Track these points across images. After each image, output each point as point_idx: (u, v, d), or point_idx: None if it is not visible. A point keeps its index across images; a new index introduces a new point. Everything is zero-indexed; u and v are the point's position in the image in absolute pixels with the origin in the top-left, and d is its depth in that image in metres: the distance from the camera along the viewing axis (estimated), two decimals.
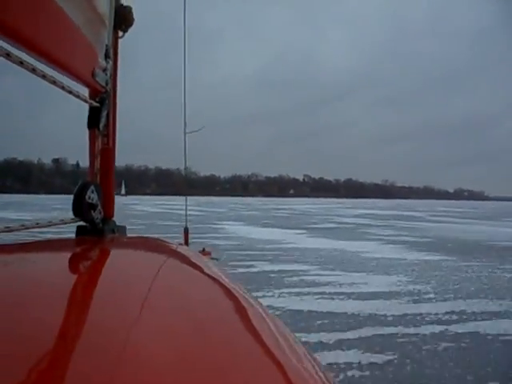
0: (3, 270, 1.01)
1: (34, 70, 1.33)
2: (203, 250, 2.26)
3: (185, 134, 3.10)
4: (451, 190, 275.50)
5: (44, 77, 1.40)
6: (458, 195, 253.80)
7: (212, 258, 1.78)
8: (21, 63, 1.27)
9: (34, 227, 1.54)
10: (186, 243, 3.02)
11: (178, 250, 1.63)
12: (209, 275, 1.23)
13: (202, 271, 1.27)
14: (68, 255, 1.41)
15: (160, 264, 1.28)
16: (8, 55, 1.20)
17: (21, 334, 0.61)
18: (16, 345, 0.58)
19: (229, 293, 1.04)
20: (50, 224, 1.64)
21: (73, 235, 1.74)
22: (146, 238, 1.86)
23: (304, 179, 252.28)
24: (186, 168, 3.49)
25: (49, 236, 1.57)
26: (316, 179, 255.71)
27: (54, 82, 1.46)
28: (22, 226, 1.47)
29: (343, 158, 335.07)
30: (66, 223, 1.68)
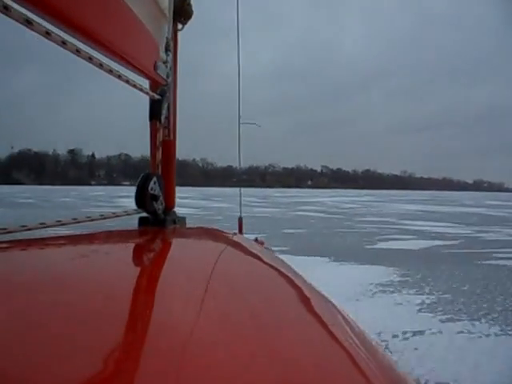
0: (75, 259, 1.07)
1: (101, 66, 1.38)
2: (256, 239, 2.16)
3: (239, 124, 3.05)
4: (470, 181, 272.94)
5: (110, 71, 1.44)
6: (478, 186, 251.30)
7: (266, 248, 1.77)
8: (90, 59, 1.31)
9: (99, 219, 1.57)
10: (241, 232, 3.01)
11: (237, 239, 1.67)
12: (270, 264, 1.25)
13: (262, 260, 1.31)
14: (133, 245, 1.46)
15: (222, 253, 1.34)
16: (78, 51, 1.25)
17: (93, 320, 0.63)
18: (89, 330, 0.60)
19: (290, 280, 1.07)
20: (114, 215, 1.67)
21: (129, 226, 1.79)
22: (205, 228, 1.91)
23: (322, 170, 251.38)
24: (239, 161, 3.44)
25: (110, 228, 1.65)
26: (334, 170, 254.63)
27: (119, 77, 1.50)
28: (89, 217, 1.52)
29: (361, 149, 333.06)
30: (129, 214, 1.71)
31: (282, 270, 1.14)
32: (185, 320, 0.66)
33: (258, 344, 0.63)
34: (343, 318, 0.86)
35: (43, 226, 1.32)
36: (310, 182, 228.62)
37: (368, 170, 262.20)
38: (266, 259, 1.29)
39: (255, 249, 1.44)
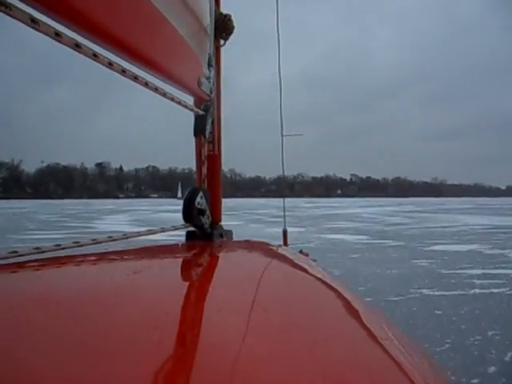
0: (126, 274, 1.10)
1: (146, 85, 1.42)
2: (301, 251, 2.03)
3: (282, 136, 3.01)
4: (503, 187, 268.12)
5: (156, 90, 1.48)
6: (511, 192, 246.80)
7: (311, 260, 1.64)
8: (135, 78, 1.36)
9: (148, 234, 1.62)
10: (285, 244, 2.97)
11: (284, 252, 1.70)
12: (318, 277, 1.27)
13: (310, 273, 1.33)
14: (182, 260, 1.49)
15: (271, 267, 1.38)
16: (123, 71, 1.29)
17: (143, 333, 0.65)
18: (139, 345, 0.61)
19: (339, 293, 1.08)
20: (162, 230, 1.72)
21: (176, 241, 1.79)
22: (252, 241, 1.93)
23: (351, 179, 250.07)
24: (283, 172, 3.40)
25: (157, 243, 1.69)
26: (363, 178, 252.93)
27: (164, 94, 1.53)
28: (137, 233, 1.57)
29: (391, 156, 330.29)
30: (177, 229, 1.76)
31: (330, 283, 1.17)
32: (235, 335, 0.67)
33: (308, 358, 0.64)
34: (392, 330, 0.88)
35: (95, 242, 1.38)
36: (339, 191, 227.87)
37: (398, 178, 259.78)
38: (313, 272, 1.32)
39: (302, 262, 1.48)
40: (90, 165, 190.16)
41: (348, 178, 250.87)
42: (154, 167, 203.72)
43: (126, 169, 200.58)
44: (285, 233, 3.23)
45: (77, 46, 1.08)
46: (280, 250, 1.72)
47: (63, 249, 1.21)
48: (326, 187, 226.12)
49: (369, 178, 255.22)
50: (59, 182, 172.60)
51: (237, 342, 0.64)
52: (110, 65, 1.21)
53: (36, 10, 0.96)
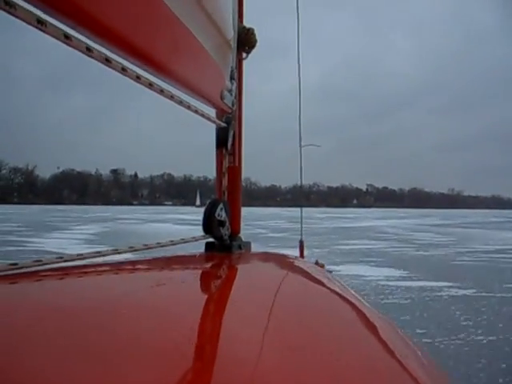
0: (145, 283, 1.14)
1: (172, 98, 1.46)
2: (316, 262, 2.07)
3: (300, 147, 3.00)
4: None
5: (181, 103, 1.52)
6: None
7: (327, 271, 1.69)
8: (161, 91, 1.39)
9: (168, 245, 1.65)
10: (302, 256, 2.98)
11: (301, 264, 1.73)
12: (333, 289, 1.30)
13: (328, 286, 1.36)
14: (202, 271, 1.53)
15: (289, 279, 1.42)
16: (151, 85, 1.33)
17: (162, 344, 0.67)
18: (158, 353, 0.62)
19: (353, 304, 1.13)
20: (183, 241, 1.73)
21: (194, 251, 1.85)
22: (270, 253, 1.98)
23: (367, 189, 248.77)
24: (301, 181, 3.48)
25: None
26: (379, 189, 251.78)
27: (188, 107, 1.57)
28: (158, 243, 1.60)
29: (408, 167, 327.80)
30: (197, 240, 1.78)
31: (346, 295, 1.22)
32: (255, 347, 0.69)
33: (326, 370, 0.66)
34: (407, 343, 0.92)
35: (115, 251, 1.40)
36: (355, 201, 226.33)
37: (415, 189, 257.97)
38: (330, 285, 1.35)
39: (319, 274, 1.50)
40: (105, 171, 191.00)
41: (364, 188, 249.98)
42: (169, 175, 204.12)
43: (141, 176, 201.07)
44: (301, 244, 3.21)
45: (107, 61, 1.12)
46: (297, 263, 1.75)
47: (84, 258, 1.24)
48: (342, 197, 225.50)
49: (385, 188, 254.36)
50: (74, 188, 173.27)
51: (256, 354, 0.66)
52: (138, 78, 1.25)
53: (65, 21, 0.97)
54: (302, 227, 3.47)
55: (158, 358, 0.60)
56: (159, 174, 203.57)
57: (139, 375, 0.55)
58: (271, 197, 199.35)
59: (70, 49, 1.00)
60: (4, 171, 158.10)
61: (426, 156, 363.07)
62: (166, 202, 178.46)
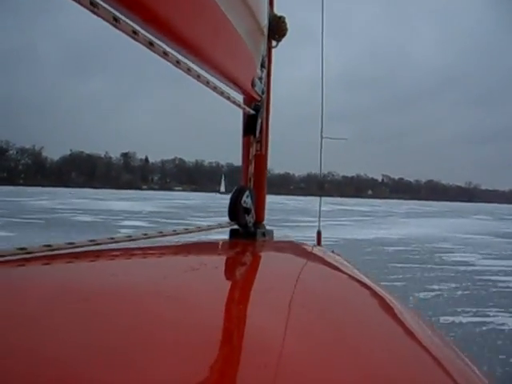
0: (171, 268, 1.20)
1: (207, 83, 1.51)
2: (332, 251, 1.97)
3: (321, 138, 2.95)
4: None
5: (215, 88, 1.57)
6: None
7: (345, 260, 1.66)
8: (198, 77, 1.44)
9: (196, 231, 1.71)
10: (319, 245, 2.91)
11: (321, 253, 1.76)
12: (357, 279, 1.32)
13: (349, 274, 1.40)
14: (230, 257, 1.56)
15: (313, 266, 1.48)
16: (189, 70, 1.38)
17: (189, 328, 0.68)
18: (185, 339, 0.64)
19: (375, 291, 1.16)
20: (209, 228, 1.79)
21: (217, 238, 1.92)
22: (291, 241, 1.99)
23: (383, 179, 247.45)
24: (321, 173, 3.48)
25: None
26: (395, 180, 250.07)
27: (221, 93, 1.62)
28: (186, 229, 1.66)
29: (425, 159, 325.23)
30: (222, 227, 1.82)
31: (369, 283, 1.24)
32: (276, 334, 0.69)
33: (353, 357, 0.67)
34: (431, 330, 0.93)
35: (146, 236, 1.45)
36: (370, 192, 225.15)
37: (431, 181, 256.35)
38: (352, 273, 1.37)
39: (339, 263, 1.53)
40: (115, 155, 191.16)
41: (380, 178, 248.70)
42: (180, 159, 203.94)
43: (152, 160, 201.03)
44: (319, 234, 3.21)
45: (150, 44, 1.16)
46: (319, 252, 1.79)
47: (115, 242, 1.29)
48: (357, 187, 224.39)
49: (401, 179, 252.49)
50: (83, 171, 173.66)
51: (285, 342, 0.66)
52: (165, 54, 1.26)
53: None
54: (319, 218, 3.47)
55: (185, 345, 0.61)
56: (170, 158, 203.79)
57: (165, 361, 0.55)
58: (284, 185, 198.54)
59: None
60: (11, 151, 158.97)
61: (446, 148, 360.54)
62: (176, 188, 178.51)
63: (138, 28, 1.11)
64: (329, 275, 1.37)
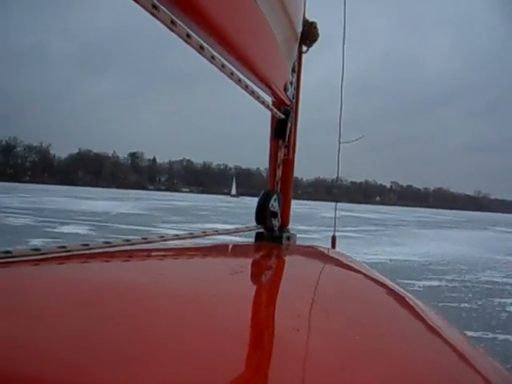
0: (198, 269, 1.25)
1: (239, 81, 1.51)
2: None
3: (339, 143, 2.91)
4: None
5: (246, 87, 1.57)
6: None
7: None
8: (231, 74, 1.44)
9: (225, 233, 1.77)
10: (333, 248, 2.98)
11: (342, 257, 1.74)
12: (381, 282, 1.32)
13: (372, 278, 1.39)
14: (254, 260, 1.60)
15: (338, 271, 1.53)
16: (223, 66, 1.38)
17: (217, 330, 0.68)
18: (212, 339, 0.64)
19: (399, 295, 1.16)
20: (237, 231, 1.83)
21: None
22: (314, 246, 1.98)
23: (391, 186, 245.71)
24: (337, 178, 3.43)
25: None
26: (404, 187, 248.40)
27: (252, 93, 1.61)
28: (216, 231, 1.70)
29: (435, 167, 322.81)
30: (250, 230, 1.84)
31: (387, 283, 1.26)
32: (301, 337, 0.70)
33: (382, 359, 0.67)
34: (456, 332, 0.93)
35: (177, 237, 1.49)
36: (378, 198, 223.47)
37: (440, 189, 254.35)
38: (376, 277, 1.38)
39: (361, 267, 1.54)
40: (123, 154, 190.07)
41: (388, 185, 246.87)
42: (188, 161, 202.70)
43: (159, 161, 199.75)
44: (333, 238, 3.06)
45: (187, 37, 1.15)
46: (339, 255, 1.79)
47: (132, 244, 1.30)
48: (365, 193, 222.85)
49: (410, 186, 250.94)
50: (89, 170, 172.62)
51: (316, 346, 0.67)
52: (213, 58, 1.28)
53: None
54: (335, 223, 3.26)
55: (214, 347, 0.61)
56: (178, 159, 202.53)
57: (193, 363, 0.56)
58: (293, 188, 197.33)
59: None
60: (19, 149, 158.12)
61: (455, 157, 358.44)
62: (184, 189, 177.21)
63: (190, 33, 1.13)
64: (355, 279, 1.39)
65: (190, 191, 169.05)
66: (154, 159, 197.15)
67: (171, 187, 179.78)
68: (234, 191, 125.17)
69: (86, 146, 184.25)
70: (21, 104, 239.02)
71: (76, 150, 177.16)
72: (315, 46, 2.16)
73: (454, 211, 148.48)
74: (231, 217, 33.97)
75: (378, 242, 22.26)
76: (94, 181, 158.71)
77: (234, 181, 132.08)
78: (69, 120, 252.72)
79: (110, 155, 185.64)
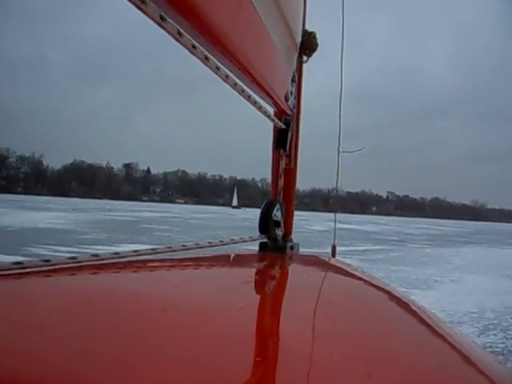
0: (203, 279, 1.26)
1: (242, 91, 1.52)
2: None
3: (338, 152, 2.95)
4: None
5: (249, 97, 1.58)
6: None
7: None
8: (234, 85, 1.45)
9: (229, 243, 1.73)
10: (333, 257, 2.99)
11: (345, 266, 1.74)
12: (388, 292, 1.32)
13: (377, 286, 1.40)
14: (258, 269, 1.59)
15: (341, 280, 1.52)
16: (227, 77, 1.39)
17: (220, 340, 0.69)
18: (218, 349, 0.65)
19: (401, 301, 1.19)
20: (242, 241, 1.80)
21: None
22: (317, 255, 1.96)
23: (388, 196, 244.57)
24: (336, 188, 3.29)
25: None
26: (400, 197, 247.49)
27: (254, 103, 1.63)
28: (221, 241, 1.69)
29: (431, 176, 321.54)
30: (254, 240, 1.83)
31: (392, 291, 1.28)
32: (307, 346, 0.70)
33: (387, 368, 0.67)
34: (458, 336, 0.94)
35: (184, 248, 1.48)
36: (374, 209, 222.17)
37: (437, 198, 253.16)
38: (381, 285, 1.39)
39: (364, 276, 1.54)
40: (117, 165, 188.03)
41: (384, 195, 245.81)
42: (183, 171, 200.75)
43: (154, 171, 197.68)
44: (334, 248, 3.07)
45: (193, 48, 1.17)
46: (342, 265, 1.78)
47: (140, 255, 1.31)
48: (361, 203, 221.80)
49: (406, 196, 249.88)
50: (83, 181, 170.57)
51: (306, 356, 0.66)
52: (217, 69, 1.30)
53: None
54: (335, 233, 3.14)
55: (220, 356, 0.62)
56: (173, 170, 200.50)
57: (201, 371, 0.56)
58: None
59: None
60: (11, 159, 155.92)
61: (451, 167, 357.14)
62: (178, 200, 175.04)
63: (181, 30, 1.12)
64: (361, 287, 1.39)
65: (185, 202, 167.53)
66: (149, 170, 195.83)
67: (166, 198, 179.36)
68: (235, 202, 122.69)
69: (81, 157, 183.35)
70: (16, 114, 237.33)
71: (70, 161, 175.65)
72: (315, 55, 2.12)
73: (452, 221, 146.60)
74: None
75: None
76: (88, 192, 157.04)
77: (236, 191, 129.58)
78: (64, 130, 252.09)
79: (104, 166, 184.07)
